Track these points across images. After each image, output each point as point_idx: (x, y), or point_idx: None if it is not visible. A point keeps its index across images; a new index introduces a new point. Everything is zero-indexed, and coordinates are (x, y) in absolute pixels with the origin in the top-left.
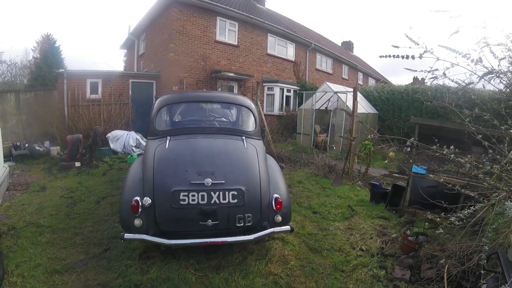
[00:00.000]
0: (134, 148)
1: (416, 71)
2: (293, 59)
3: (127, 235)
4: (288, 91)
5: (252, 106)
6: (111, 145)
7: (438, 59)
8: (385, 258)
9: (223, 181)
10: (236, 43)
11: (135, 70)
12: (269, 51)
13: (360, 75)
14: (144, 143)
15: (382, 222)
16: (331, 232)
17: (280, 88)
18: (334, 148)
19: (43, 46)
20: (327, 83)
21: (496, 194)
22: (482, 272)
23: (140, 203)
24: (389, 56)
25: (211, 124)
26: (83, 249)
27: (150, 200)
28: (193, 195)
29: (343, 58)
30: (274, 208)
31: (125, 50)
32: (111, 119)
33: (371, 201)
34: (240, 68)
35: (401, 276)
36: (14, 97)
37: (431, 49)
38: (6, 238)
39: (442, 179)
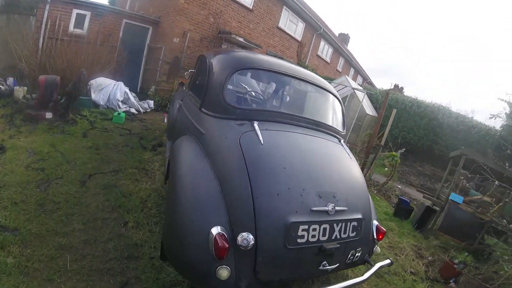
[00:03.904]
0: (120, 104)
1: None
2: (299, 39)
3: None
4: None
5: (339, 97)
6: (93, 95)
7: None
8: (432, 283)
9: (346, 208)
10: (251, 7)
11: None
12: (279, 25)
13: (352, 71)
14: (133, 100)
15: (415, 242)
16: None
17: None
18: None
19: None
20: (346, 77)
21: None
22: None
23: (227, 241)
24: None
25: (306, 113)
26: (83, 284)
27: (253, 239)
28: (314, 229)
29: (343, 50)
30: (376, 237)
31: None
32: (97, 62)
33: (394, 216)
34: (249, 34)
35: None
36: None
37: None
38: None
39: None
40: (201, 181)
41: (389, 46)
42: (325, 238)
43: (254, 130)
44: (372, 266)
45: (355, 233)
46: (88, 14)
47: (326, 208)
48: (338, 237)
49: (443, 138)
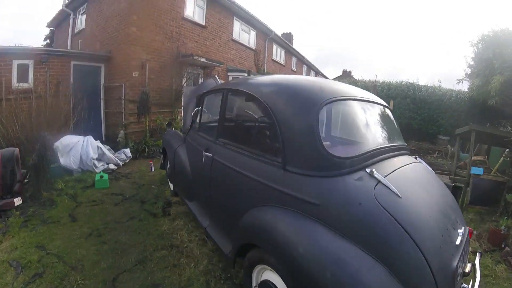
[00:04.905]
0: (96, 162)
1: None
2: (254, 47)
3: None
4: None
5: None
6: (61, 160)
7: None
8: (491, 253)
9: (463, 226)
10: (203, 23)
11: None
12: (234, 37)
13: (305, 68)
14: (109, 154)
15: None
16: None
17: None
18: None
19: None
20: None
21: None
22: None
23: None
24: None
25: (389, 139)
26: None
27: None
28: (460, 261)
29: (294, 49)
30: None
31: (52, 29)
32: (54, 119)
33: None
34: (207, 53)
35: None
36: None
37: None
38: None
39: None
40: (364, 274)
41: (327, 35)
42: (464, 264)
43: (380, 181)
44: (474, 264)
45: (468, 245)
46: (30, 62)
47: (461, 238)
48: (466, 256)
49: (419, 112)
